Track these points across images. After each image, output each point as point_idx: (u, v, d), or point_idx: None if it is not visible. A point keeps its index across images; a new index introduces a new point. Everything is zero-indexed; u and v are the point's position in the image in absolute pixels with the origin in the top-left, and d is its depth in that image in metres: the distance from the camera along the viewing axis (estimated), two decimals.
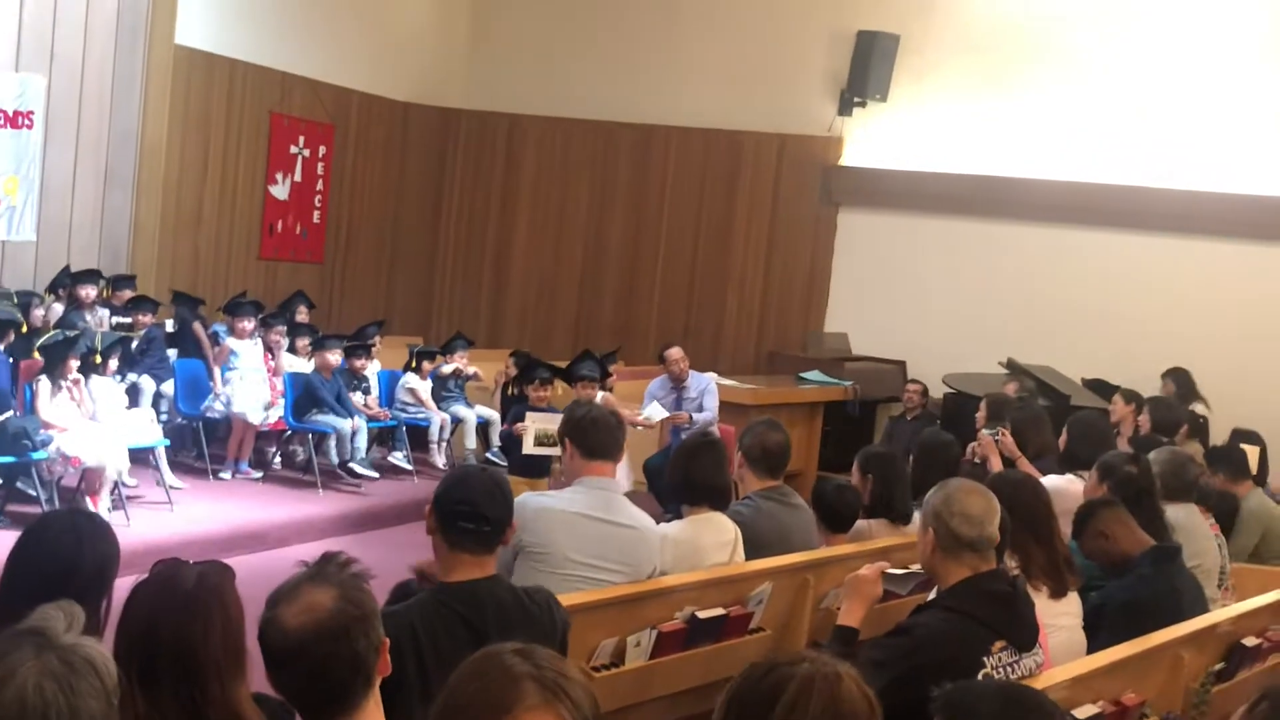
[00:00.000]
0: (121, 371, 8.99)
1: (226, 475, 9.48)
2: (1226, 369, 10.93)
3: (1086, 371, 11.25)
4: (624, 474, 7.17)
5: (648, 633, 4.37)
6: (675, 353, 9.65)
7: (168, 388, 9.65)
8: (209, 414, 9.58)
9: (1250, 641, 4.85)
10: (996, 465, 6.67)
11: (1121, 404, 9.15)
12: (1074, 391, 10.64)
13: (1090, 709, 3.81)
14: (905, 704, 3.53)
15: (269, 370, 9.80)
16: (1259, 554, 6.60)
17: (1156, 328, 11.58)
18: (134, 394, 9.13)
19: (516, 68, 14.60)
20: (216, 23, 12.12)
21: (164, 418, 9.33)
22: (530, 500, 4.43)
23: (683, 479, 5.02)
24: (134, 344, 9.46)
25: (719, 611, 4.60)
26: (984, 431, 7.04)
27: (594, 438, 4.50)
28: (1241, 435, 8.42)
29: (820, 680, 2.11)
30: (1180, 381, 10.50)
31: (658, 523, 4.75)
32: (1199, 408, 10.20)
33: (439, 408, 10.66)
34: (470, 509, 3.30)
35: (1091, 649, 4.39)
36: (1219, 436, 8.73)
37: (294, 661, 2.37)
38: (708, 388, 9.77)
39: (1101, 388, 10.69)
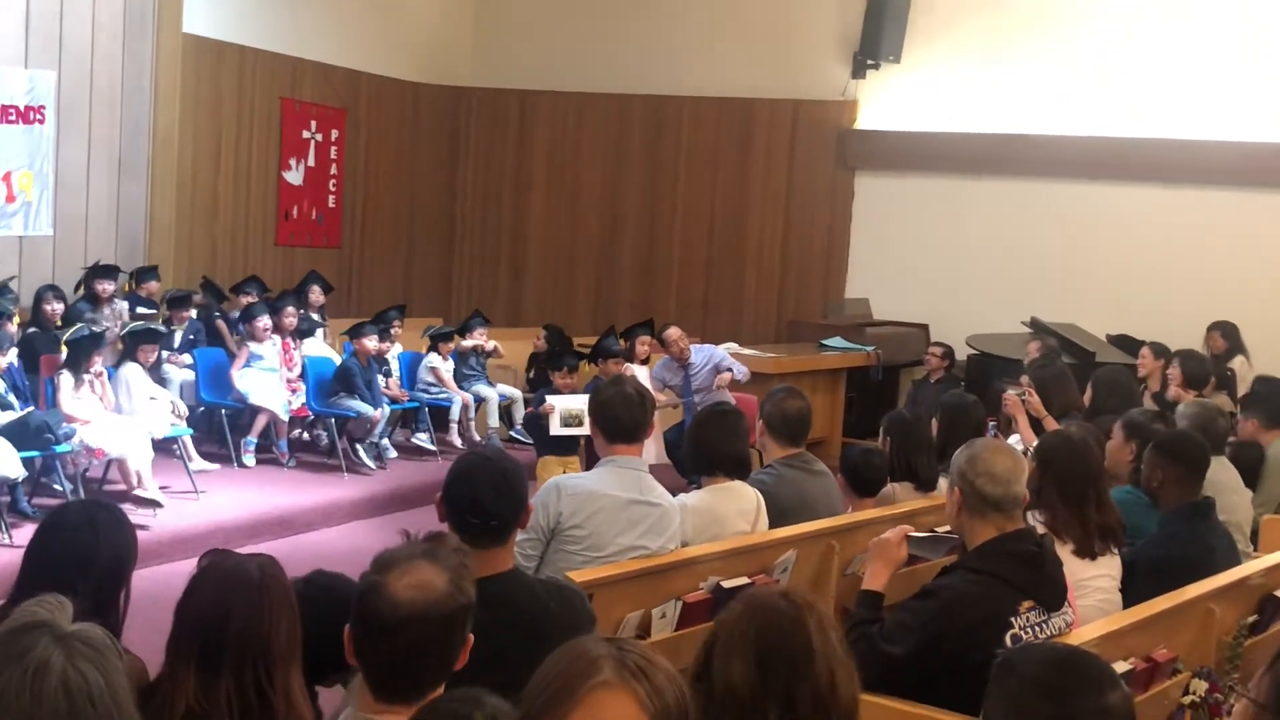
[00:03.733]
0: (158, 364, 9.11)
1: (250, 460, 9.50)
2: (1255, 320, 10.80)
3: (1110, 327, 11.16)
4: (650, 449, 7.15)
5: (673, 604, 4.35)
6: (674, 333, 9.53)
7: (187, 376, 9.68)
8: (231, 402, 9.60)
9: None
10: (1023, 424, 6.62)
11: (1150, 358, 9.08)
12: (1098, 348, 10.56)
13: (1122, 665, 3.77)
14: (934, 665, 3.52)
15: (286, 363, 9.80)
16: None
17: (1180, 281, 11.47)
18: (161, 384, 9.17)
19: (525, 43, 14.52)
20: (224, 10, 12.09)
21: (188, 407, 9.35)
22: (566, 483, 4.42)
23: (698, 449, 5.01)
24: (176, 338, 9.73)
25: (744, 580, 4.57)
26: (1010, 391, 6.98)
27: (620, 417, 4.48)
28: (1266, 382, 8.32)
29: (752, 604, 2.41)
30: (1228, 334, 10.41)
31: (676, 495, 4.73)
32: (1239, 360, 10.09)
33: (461, 387, 10.65)
34: (476, 504, 3.23)
35: (1125, 606, 4.35)
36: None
37: (394, 634, 2.34)
38: (716, 356, 9.62)
39: (1126, 343, 10.60)
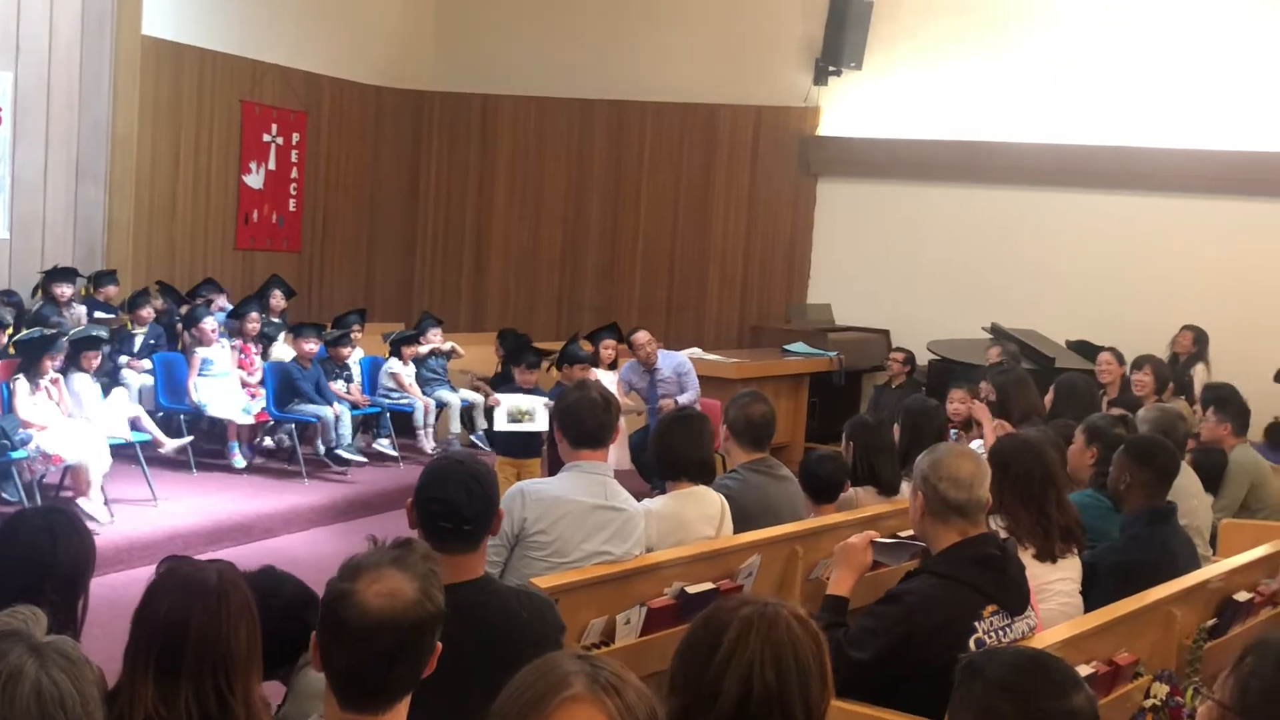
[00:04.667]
0: (114, 368, 9.03)
1: (241, 463, 9.45)
2: (1212, 327, 10.92)
3: (1070, 333, 11.24)
4: (614, 454, 7.14)
5: (638, 610, 4.34)
6: (641, 337, 9.55)
7: (146, 381, 9.59)
8: (189, 408, 9.51)
9: (1242, 596, 4.83)
10: (989, 429, 6.65)
11: (1111, 363, 9.14)
12: (1058, 354, 10.64)
13: (1085, 668, 3.79)
14: (899, 670, 3.52)
15: (245, 368, 9.73)
16: (1247, 507, 6.58)
17: (1139, 288, 11.59)
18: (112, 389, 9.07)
19: (487, 47, 14.50)
20: (183, 12, 12.00)
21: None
22: (530, 489, 4.39)
23: (662, 454, 5.00)
24: (136, 341, 9.63)
25: (709, 586, 4.57)
26: (957, 390, 7.06)
27: (585, 422, 4.45)
28: (1215, 388, 8.42)
29: (759, 620, 2.29)
30: (1199, 339, 10.56)
31: (641, 499, 4.72)
32: (1199, 368, 10.21)
33: (423, 392, 10.60)
34: (448, 508, 3.19)
35: (1086, 610, 4.37)
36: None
37: (363, 642, 2.30)
38: (683, 368, 9.66)
39: (1085, 349, 10.68)
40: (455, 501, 3.18)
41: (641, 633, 4.37)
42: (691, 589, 4.50)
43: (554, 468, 7.32)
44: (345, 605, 2.32)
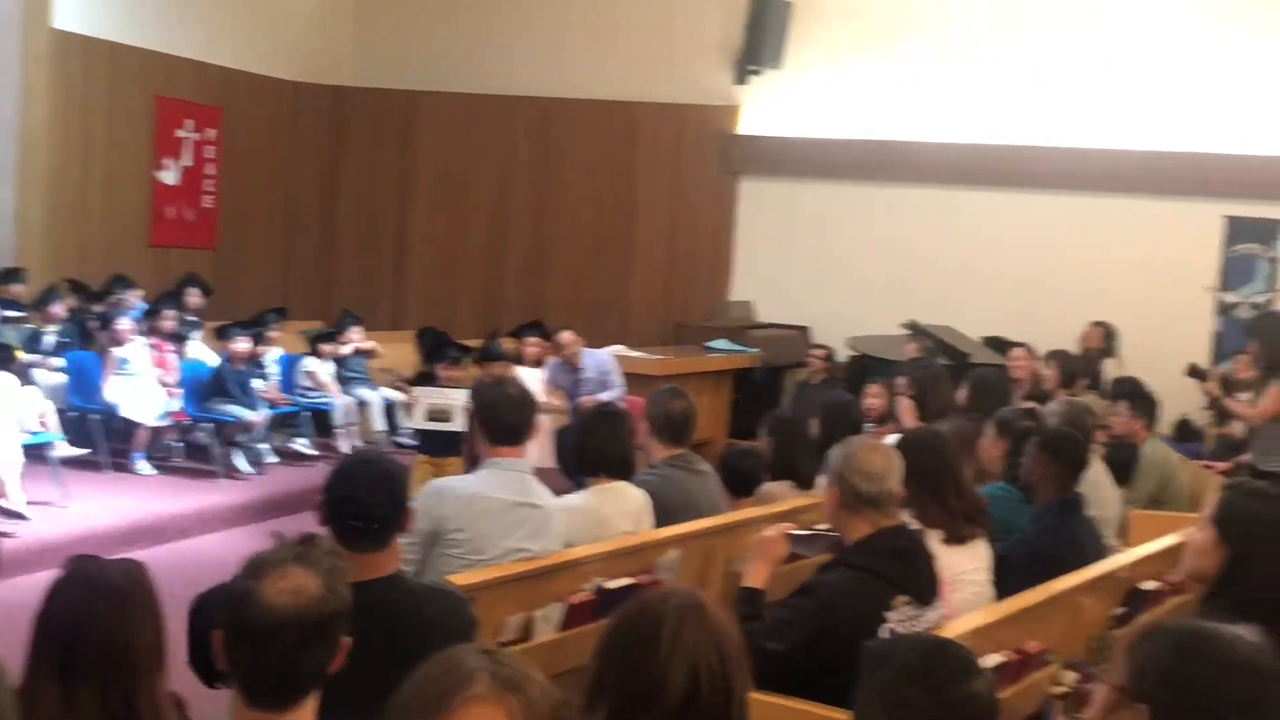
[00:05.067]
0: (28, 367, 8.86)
1: (147, 469, 9.28)
2: (1122, 323, 11.15)
3: (985, 330, 11.39)
4: (534, 451, 7.10)
5: (556, 606, 4.34)
6: (566, 337, 9.56)
7: (57, 379, 9.41)
8: (102, 408, 9.34)
9: (1148, 586, 4.94)
10: (909, 425, 6.73)
11: (1023, 359, 9.30)
12: (973, 350, 10.78)
13: (994, 657, 3.86)
14: (814, 661, 3.56)
15: (161, 366, 9.58)
16: (1158, 501, 6.73)
17: (1052, 285, 11.78)
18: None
19: (408, 43, 14.39)
20: (94, 5, 11.77)
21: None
22: (447, 486, 4.38)
23: (582, 450, 5.00)
24: (47, 339, 9.49)
25: (628, 581, 4.58)
26: (874, 385, 7.16)
27: (501, 420, 4.44)
28: (1124, 383, 8.61)
29: (692, 609, 2.34)
30: (1109, 334, 10.77)
31: (561, 496, 4.73)
32: (1110, 363, 10.42)
33: (343, 391, 10.51)
34: (356, 506, 3.16)
35: (998, 599, 4.44)
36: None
37: (267, 641, 2.28)
38: (605, 366, 9.67)
39: (999, 344, 10.84)
40: (364, 500, 3.16)
41: (560, 629, 4.37)
42: (610, 585, 4.50)
43: (474, 465, 7.30)
44: (248, 603, 2.30)
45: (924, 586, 3.67)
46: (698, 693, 2.28)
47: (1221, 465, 8.35)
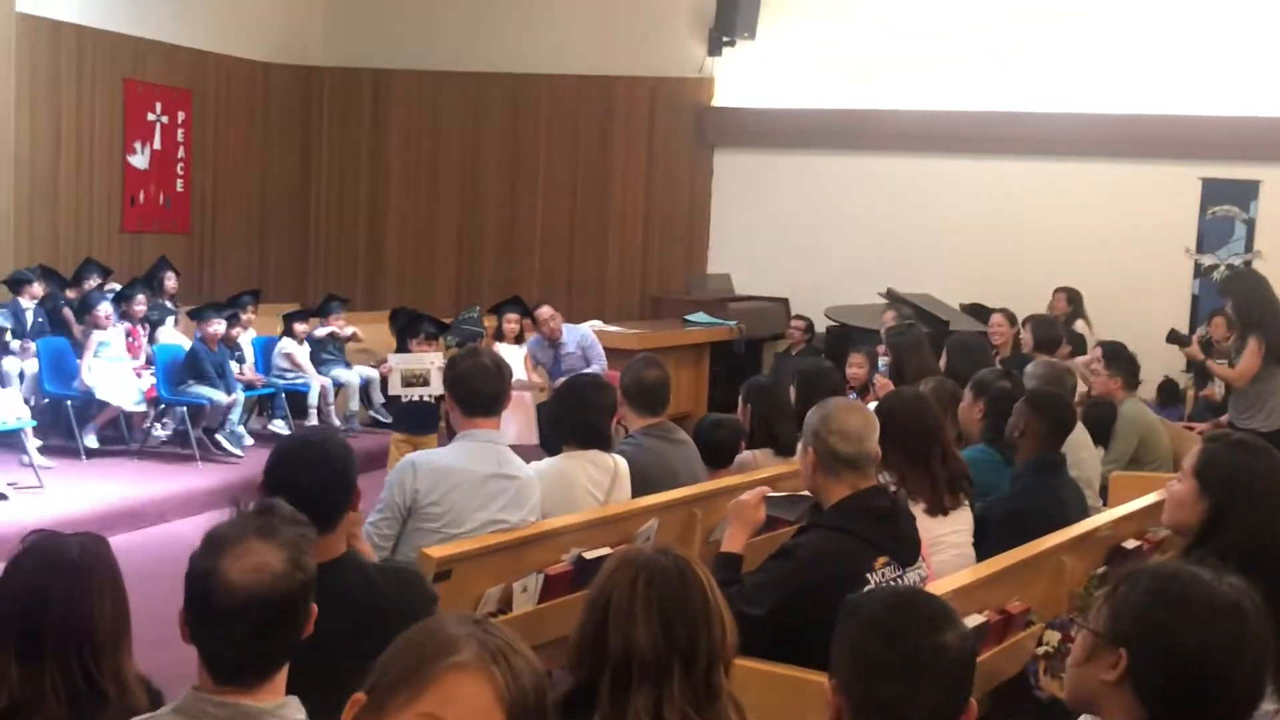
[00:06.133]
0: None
1: (92, 442, 9.19)
2: (1096, 285, 11.16)
3: (963, 296, 11.39)
4: (511, 430, 7.03)
5: (534, 577, 4.31)
6: (545, 312, 9.50)
7: (31, 366, 9.31)
8: (77, 393, 9.26)
9: (1130, 544, 4.93)
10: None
11: (1003, 324, 9.28)
12: (952, 316, 10.77)
13: (977, 618, 3.83)
14: (793, 624, 3.52)
15: (132, 352, 9.50)
16: (1137, 460, 6.72)
17: (1028, 250, 11.78)
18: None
19: (378, 21, 14.27)
20: None
21: (29, 398, 9.00)
22: (421, 460, 4.32)
23: (553, 417, 4.99)
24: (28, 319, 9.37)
25: (606, 551, 4.54)
26: (856, 354, 7.13)
27: (478, 389, 4.39)
28: (1107, 346, 8.58)
29: (686, 564, 2.44)
30: (1072, 298, 10.75)
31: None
32: (1080, 324, 10.41)
33: (319, 372, 10.44)
34: (297, 493, 2.96)
35: (979, 560, 4.42)
36: None
37: (232, 620, 2.19)
38: (586, 340, 9.62)
39: (978, 311, 10.83)
40: (305, 486, 3.02)
41: (539, 600, 4.33)
42: (589, 554, 4.47)
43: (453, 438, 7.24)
44: (210, 583, 2.21)
45: (905, 547, 3.63)
46: (694, 648, 2.32)
47: (1202, 426, 8.35)
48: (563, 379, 9.10)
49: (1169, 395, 9.86)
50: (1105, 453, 6.52)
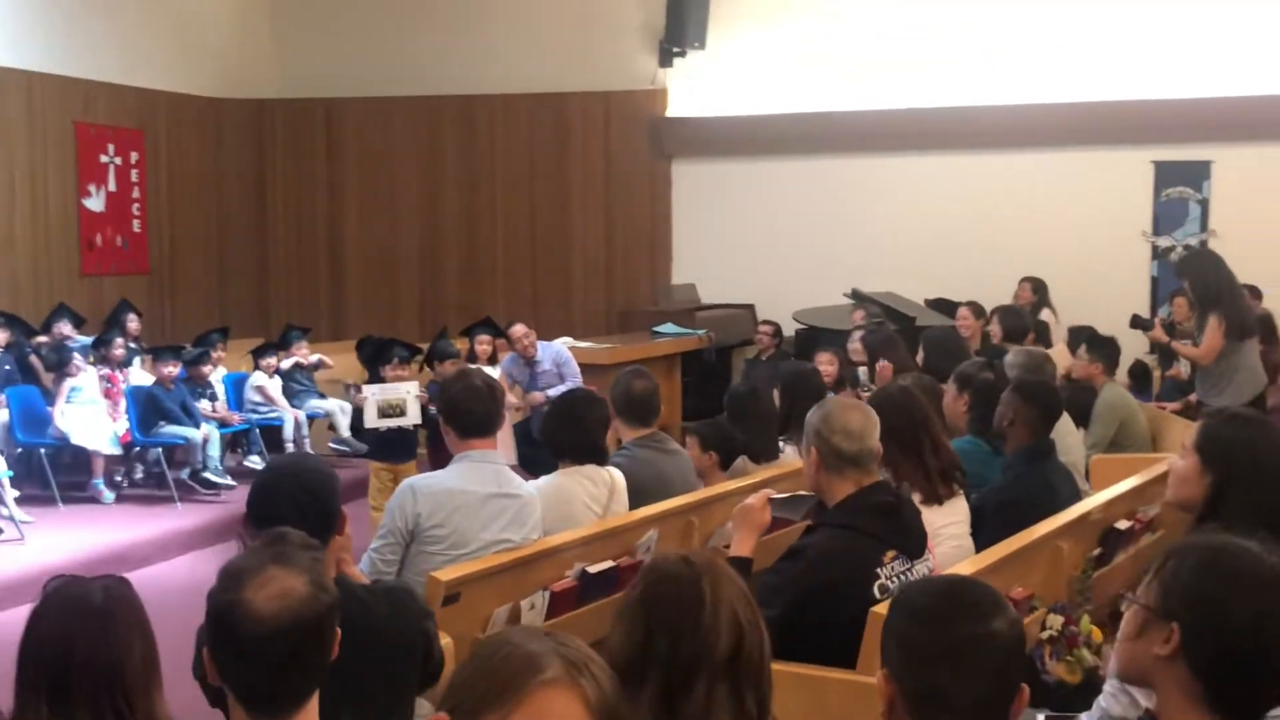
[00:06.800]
0: None
1: (110, 498, 9.17)
2: (1057, 273, 11.30)
3: (926, 292, 11.48)
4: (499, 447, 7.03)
5: (541, 594, 4.32)
6: (519, 330, 9.50)
7: (0, 416, 9.22)
8: (51, 440, 9.16)
9: (1122, 525, 5.00)
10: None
11: (969, 318, 9.38)
12: (918, 313, 10.83)
13: None
14: (806, 623, 3.56)
15: (112, 397, 9.43)
16: (1117, 443, 6.81)
17: (989, 242, 11.88)
18: None
19: (327, 50, 14.22)
20: (5, 34, 11.52)
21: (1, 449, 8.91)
22: (421, 484, 4.34)
23: (548, 433, 5.00)
24: None
25: (609, 564, 4.57)
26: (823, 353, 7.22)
27: (472, 411, 4.41)
28: (1076, 332, 8.71)
29: (718, 565, 2.42)
30: (1037, 288, 10.88)
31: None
32: (1045, 313, 10.53)
33: (291, 404, 10.39)
34: (281, 521, 2.91)
35: (977, 550, 4.47)
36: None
37: (263, 651, 2.19)
38: (561, 358, 9.64)
39: (943, 305, 10.93)
40: (286, 514, 3.00)
41: (546, 616, 4.35)
42: (592, 569, 4.49)
43: (435, 466, 7.22)
44: (236, 616, 2.21)
45: (912, 540, 3.68)
46: (741, 646, 2.29)
47: (1172, 405, 8.48)
48: (539, 394, 9.14)
49: (1141, 378, 9.98)
50: (1085, 436, 6.59)
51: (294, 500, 3.10)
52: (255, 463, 10.12)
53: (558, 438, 4.94)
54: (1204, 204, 11.61)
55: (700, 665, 2.25)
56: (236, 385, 10.43)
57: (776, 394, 6.12)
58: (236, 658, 2.23)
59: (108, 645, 2.52)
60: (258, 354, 10.47)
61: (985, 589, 2.18)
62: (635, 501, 4.98)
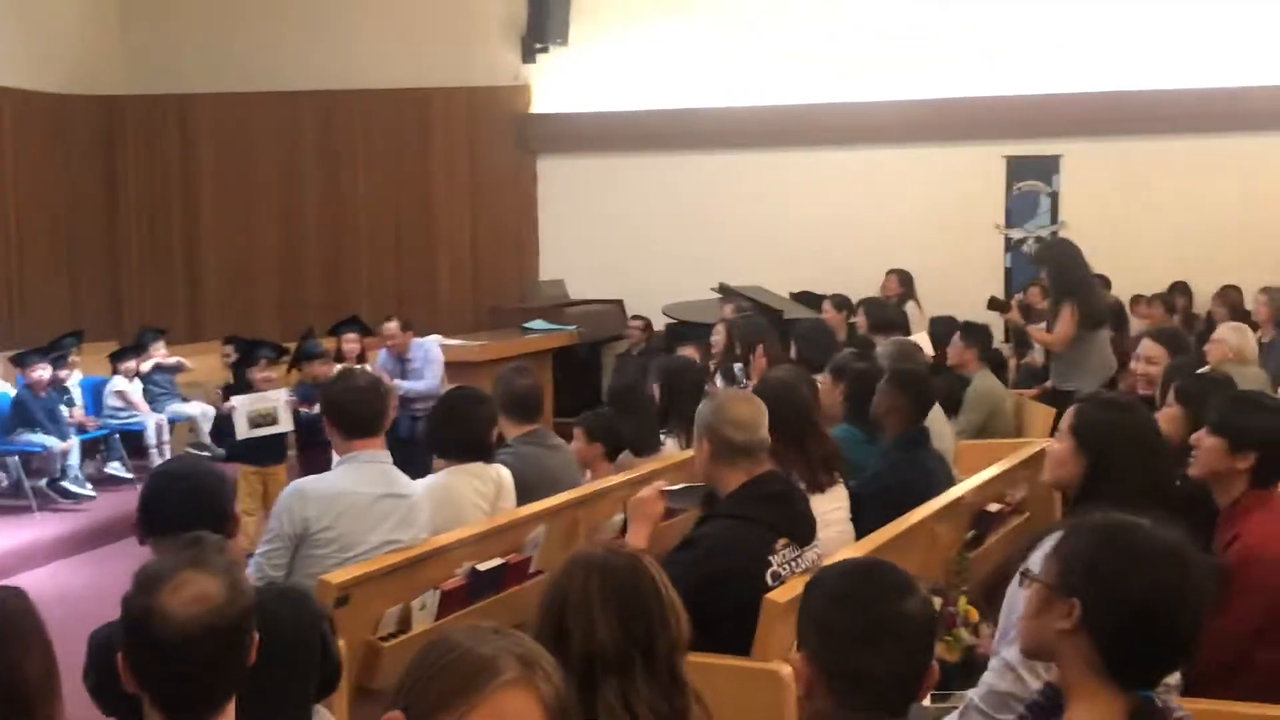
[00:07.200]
0: None
1: None
2: (917, 266, 11.61)
3: (793, 286, 11.69)
4: None
5: (431, 594, 4.31)
6: (392, 327, 9.42)
7: None
8: None
9: (993, 508, 5.18)
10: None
11: (832, 310, 9.59)
12: (785, 306, 11.03)
13: None
14: (703, 612, 3.60)
15: None
16: (985, 431, 7.02)
17: (851, 236, 12.13)
18: None
19: (179, 45, 13.85)
20: None
21: None
22: (308, 486, 4.29)
23: (432, 432, 4.99)
24: None
25: (498, 562, 4.58)
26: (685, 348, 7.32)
27: (355, 414, 4.38)
28: (938, 322, 8.97)
29: (638, 560, 2.55)
30: (904, 280, 11.16)
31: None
32: (910, 306, 10.80)
33: (152, 408, 10.12)
34: (173, 524, 2.98)
35: (858, 537, 4.59)
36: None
37: (180, 656, 2.17)
38: (432, 354, 9.57)
39: (808, 299, 11.14)
40: (182, 522, 2.96)
41: (437, 616, 4.33)
42: (482, 567, 4.49)
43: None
44: (152, 620, 2.19)
45: (802, 527, 3.76)
46: (653, 641, 2.42)
47: (1030, 392, 8.77)
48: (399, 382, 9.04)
49: (996, 366, 10.31)
50: (955, 423, 6.79)
51: (190, 503, 3.08)
52: (116, 469, 9.84)
53: (443, 436, 4.92)
54: (1054, 197, 12.03)
55: (676, 646, 2.46)
56: (95, 390, 10.11)
57: (656, 388, 6.18)
58: (154, 663, 2.22)
59: (6, 657, 2.44)
60: (116, 358, 10.17)
61: (898, 571, 2.26)
62: (522, 498, 4.99)
